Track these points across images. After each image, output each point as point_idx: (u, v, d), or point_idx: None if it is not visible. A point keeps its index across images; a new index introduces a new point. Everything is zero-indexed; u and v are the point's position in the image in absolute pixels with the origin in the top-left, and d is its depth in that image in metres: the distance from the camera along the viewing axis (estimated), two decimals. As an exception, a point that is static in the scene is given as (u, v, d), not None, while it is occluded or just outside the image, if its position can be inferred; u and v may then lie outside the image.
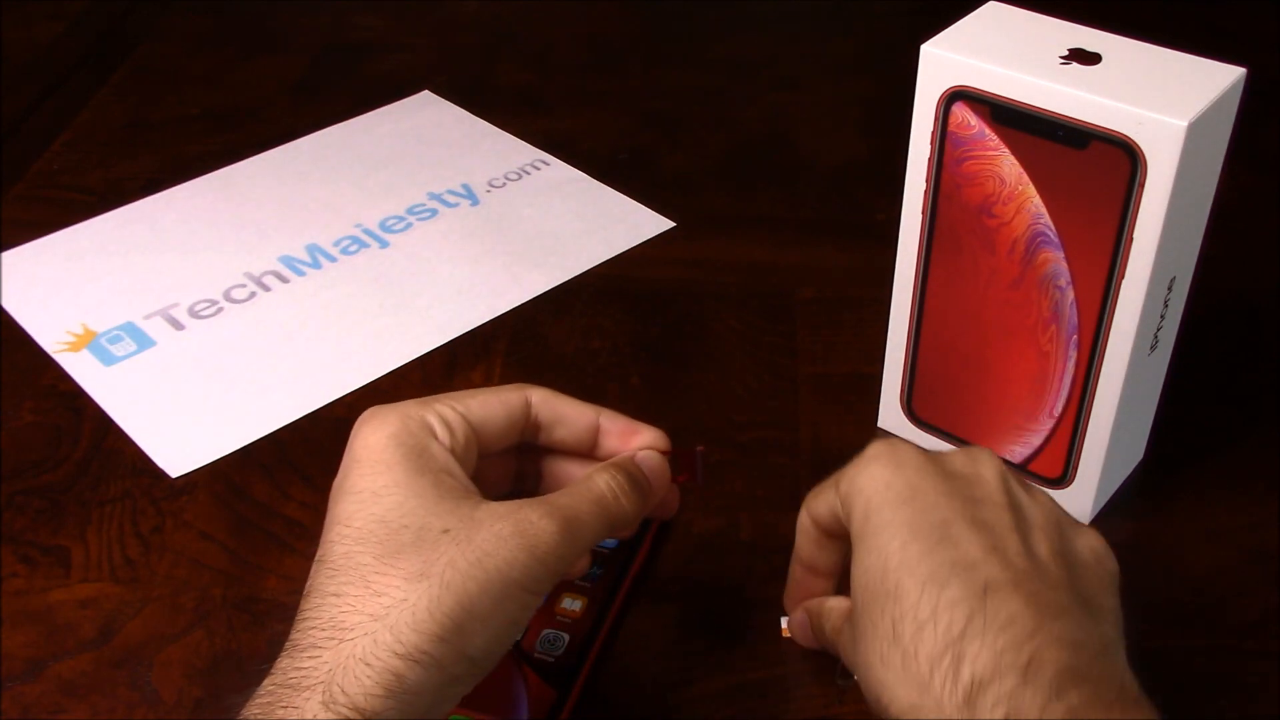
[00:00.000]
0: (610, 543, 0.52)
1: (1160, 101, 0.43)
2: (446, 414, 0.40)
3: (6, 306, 0.69)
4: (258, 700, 0.34)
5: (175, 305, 0.69)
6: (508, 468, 0.45)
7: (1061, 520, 0.39)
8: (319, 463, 0.59)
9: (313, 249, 0.74)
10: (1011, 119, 0.46)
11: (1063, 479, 0.53)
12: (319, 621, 0.35)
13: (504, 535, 0.36)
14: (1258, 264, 0.71)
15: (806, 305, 0.68)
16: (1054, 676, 0.33)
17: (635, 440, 0.44)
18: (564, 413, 0.43)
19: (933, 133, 0.49)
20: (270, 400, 0.62)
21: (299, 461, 0.59)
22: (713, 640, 0.50)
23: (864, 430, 0.59)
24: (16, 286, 0.71)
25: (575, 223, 0.76)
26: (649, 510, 0.43)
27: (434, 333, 0.67)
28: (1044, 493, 0.41)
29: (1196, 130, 0.43)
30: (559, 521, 0.38)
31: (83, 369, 0.65)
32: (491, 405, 0.42)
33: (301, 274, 0.71)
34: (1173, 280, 0.48)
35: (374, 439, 0.39)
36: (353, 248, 0.74)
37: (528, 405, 0.43)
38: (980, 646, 0.34)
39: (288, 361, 0.65)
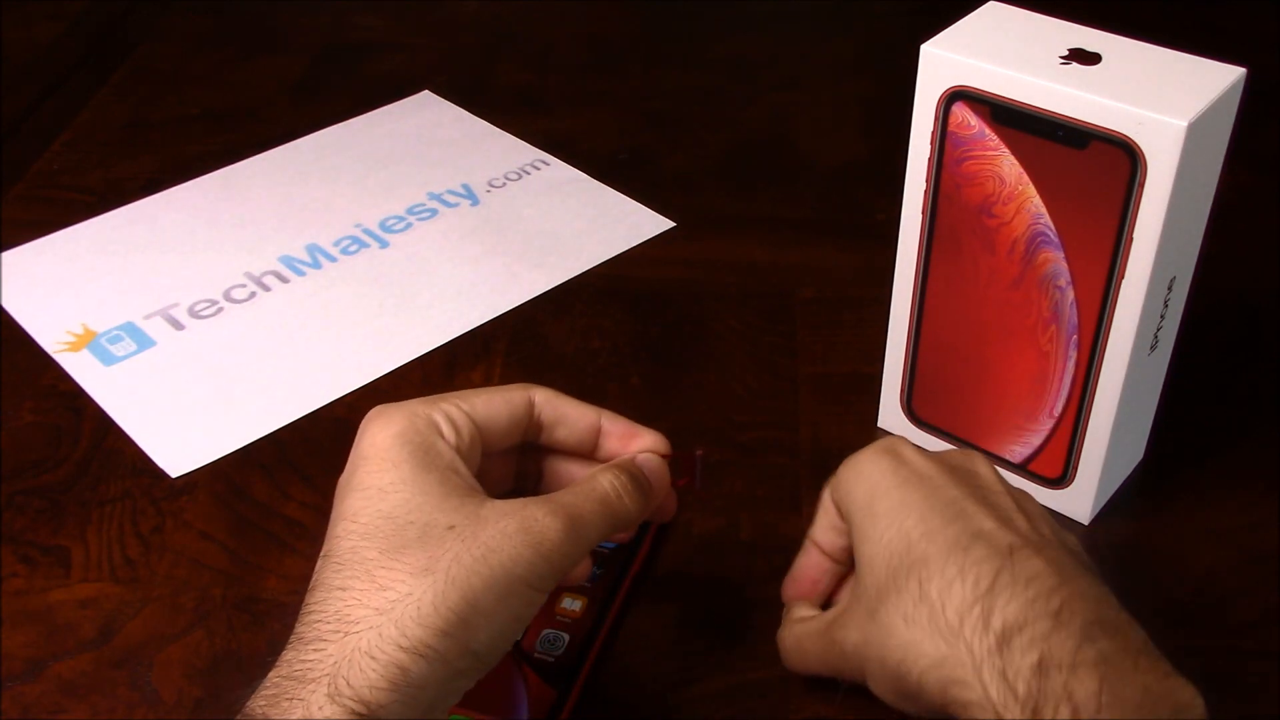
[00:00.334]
0: (609, 544, 0.52)
1: (1160, 101, 0.43)
2: (452, 413, 0.41)
3: (6, 306, 0.69)
4: (263, 693, 0.34)
5: (175, 305, 0.69)
6: (510, 467, 0.45)
7: (1050, 517, 0.41)
8: (319, 463, 0.59)
9: (313, 249, 0.74)
10: (1011, 119, 0.46)
11: (1062, 479, 0.53)
12: (324, 615, 0.35)
13: (509, 532, 0.37)
14: (1258, 264, 0.71)
15: (806, 305, 0.68)
16: (1083, 624, 0.34)
17: (635, 443, 0.44)
18: (566, 413, 0.44)
19: (933, 133, 0.49)
20: (270, 400, 0.62)
21: (299, 461, 0.59)
22: (713, 640, 0.50)
23: (864, 430, 0.59)
24: (16, 286, 0.71)
25: (575, 223, 0.76)
26: (649, 513, 0.43)
27: (434, 333, 0.67)
28: (1024, 492, 0.43)
29: (1196, 130, 0.43)
30: (564, 519, 0.38)
31: (83, 369, 0.65)
32: (496, 405, 0.42)
33: (301, 274, 0.71)
34: (1173, 280, 0.48)
35: (381, 437, 0.39)
36: (353, 248, 0.74)
37: (531, 405, 0.43)
38: (1009, 598, 0.35)
39: (288, 361, 0.65)
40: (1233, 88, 0.45)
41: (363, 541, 0.37)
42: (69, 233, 0.75)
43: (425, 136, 0.85)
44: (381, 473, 0.38)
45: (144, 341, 0.66)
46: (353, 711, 0.33)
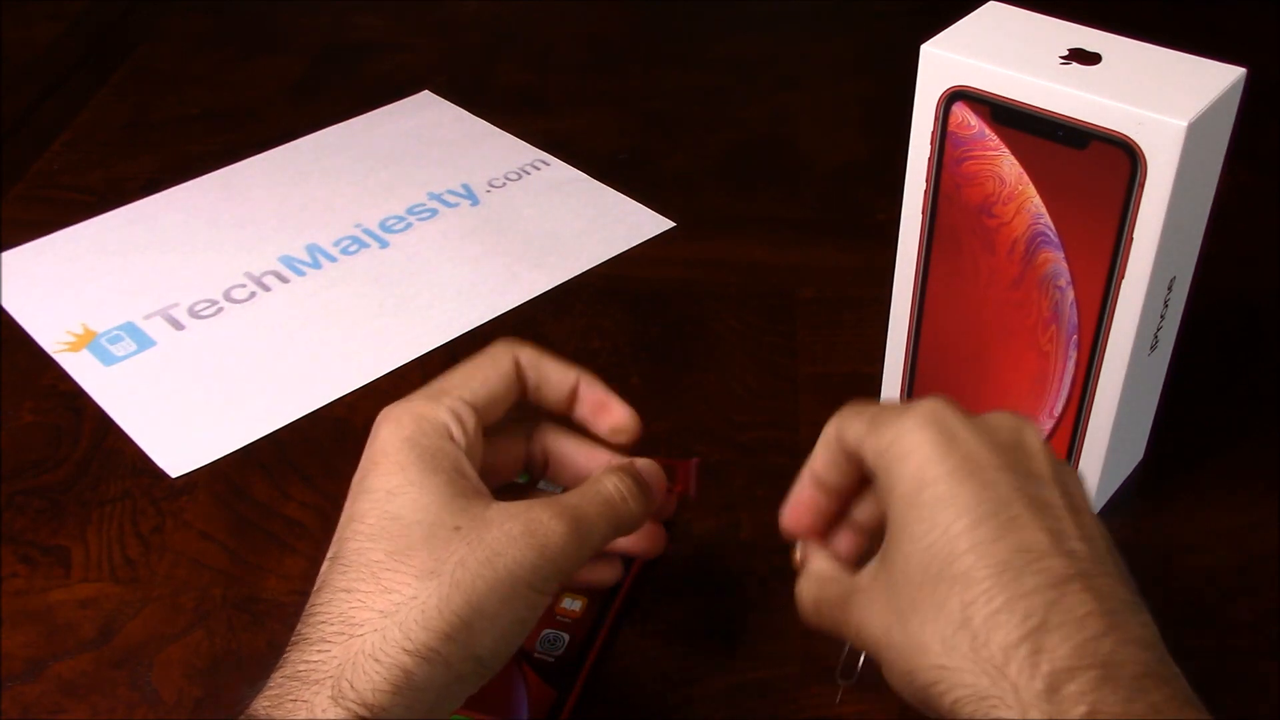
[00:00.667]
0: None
1: (1160, 101, 0.43)
2: (459, 410, 0.41)
3: (6, 306, 0.69)
4: (267, 693, 0.34)
5: (175, 305, 0.69)
6: (518, 454, 0.45)
7: (1092, 509, 0.39)
8: (319, 463, 0.59)
9: (313, 249, 0.74)
10: (1011, 119, 0.46)
11: (1063, 479, 0.53)
12: (329, 616, 0.35)
13: (514, 534, 0.37)
14: (1258, 264, 0.71)
15: (806, 305, 0.68)
16: (1134, 675, 0.33)
17: (605, 415, 0.44)
18: (547, 373, 0.44)
19: (933, 133, 0.49)
20: (270, 400, 0.62)
21: (299, 461, 0.59)
22: (713, 640, 0.50)
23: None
24: (16, 286, 0.71)
25: (575, 223, 0.76)
26: (648, 517, 0.43)
27: (434, 333, 0.67)
28: (1069, 466, 0.40)
29: (1196, 130, 0.43)
30: (568, 522, 0.38)
31: (83, 369, 0.65)
32: (491, 382, 0.42)
33: (301, 274, 0.71)
34: (1173, 280, 0.48)
35: (391, 442, 0.39)
36: (353, 248, 0.74)
37: (517, 365, 0.43)
38: (1059, 640, 0.33)
39: (288, 361, 0.65)
40: (1233, 88, 0.45)
41: (369, 543, 0.37)
42: (69, 233, 0.75)
43: (425, 136, 0.85)
44: (389, 475, 0.38)
45: (144, 341, 0.66)
46: (355, 714, 0.33)
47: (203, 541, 0.55)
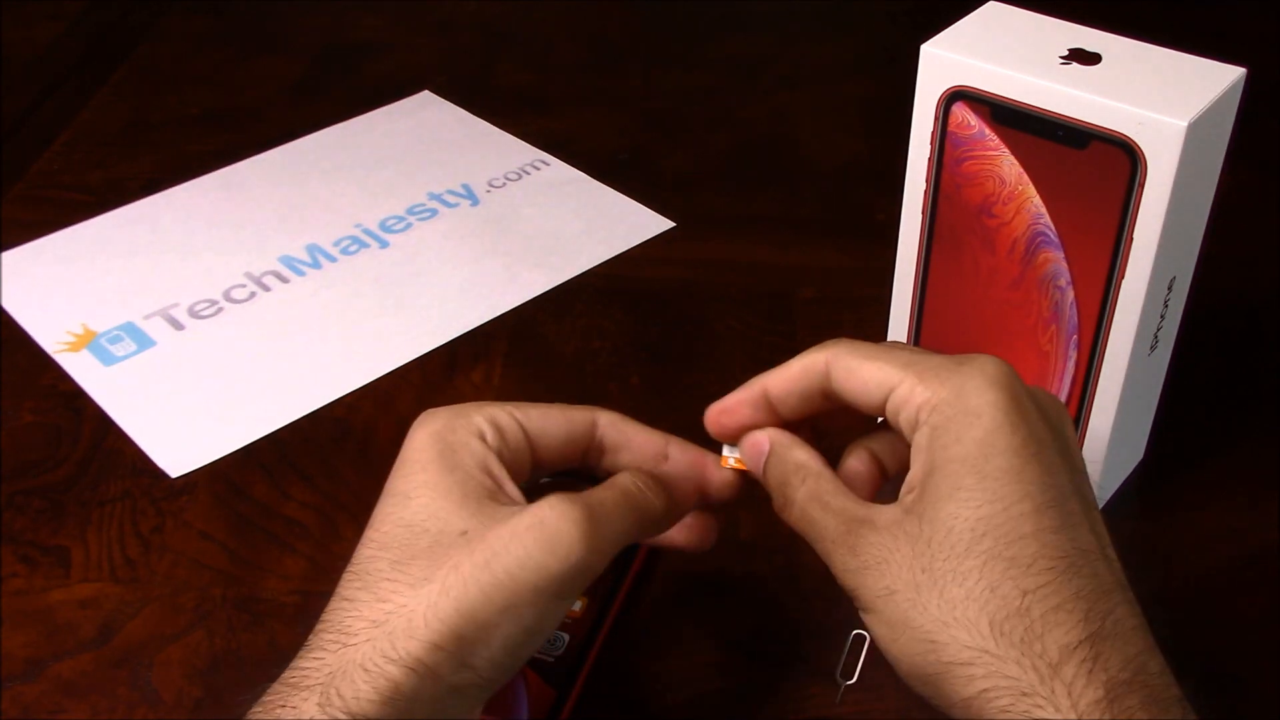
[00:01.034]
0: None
1: (1160, 101, 0.43)
2: (499, 417, 0.39)
3: (6, 306, 0.69)
4: (264, 698, 0.35)
5: (175, 305, 0.69)
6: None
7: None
8: (319, 463, 0.59)
9: (313, 249, 0.74)
10: (1011, 119, 0.46)
11: (1063, 479, 0.53)
12: (328, 625, 0.35)
13: (518, 531, 0.35)
14: (1258, 264, 0.71)
15: (806, 305, 0.68)
16: (1173, 698, 0.32)
17: (705, 471, 0.42)
18: (631, 438, 0.42)
19: (933, 133, 0.49)
20: (270, 400, 0.62)
21: (299, 461, 0.59)
22: (713, 641, 0.50)
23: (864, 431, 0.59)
24: (16, 286, 0.71)
25: (575, 223, 0.76)
26: (676, 518, 0.42)
27: (434, 333, 0.67)
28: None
29: (1196, 130, 0.43)
30: (581, 509, 0.36)
31: (83, 369, 0.65)
32: (553, 417, 0.40)
33: (301, 274, 0.71)
34: (1173, 280, 0.48)
35: (418, 437, 0.38)
36: (353, 248, 0.74)
37: (594, 425, 0.41)
38: (1113, 649, 0.32)
39: (288, 361, 0.65)
40: (1233, 88, 0.45)
41: (379, 552, 0.36)
42: (69, 233, 0.75)
43: (425, 136, 0.85)
44: (409, 476, 0.37)
45: (144, 341, 0.66)
46: None
47: (203, 541, 0.55)
